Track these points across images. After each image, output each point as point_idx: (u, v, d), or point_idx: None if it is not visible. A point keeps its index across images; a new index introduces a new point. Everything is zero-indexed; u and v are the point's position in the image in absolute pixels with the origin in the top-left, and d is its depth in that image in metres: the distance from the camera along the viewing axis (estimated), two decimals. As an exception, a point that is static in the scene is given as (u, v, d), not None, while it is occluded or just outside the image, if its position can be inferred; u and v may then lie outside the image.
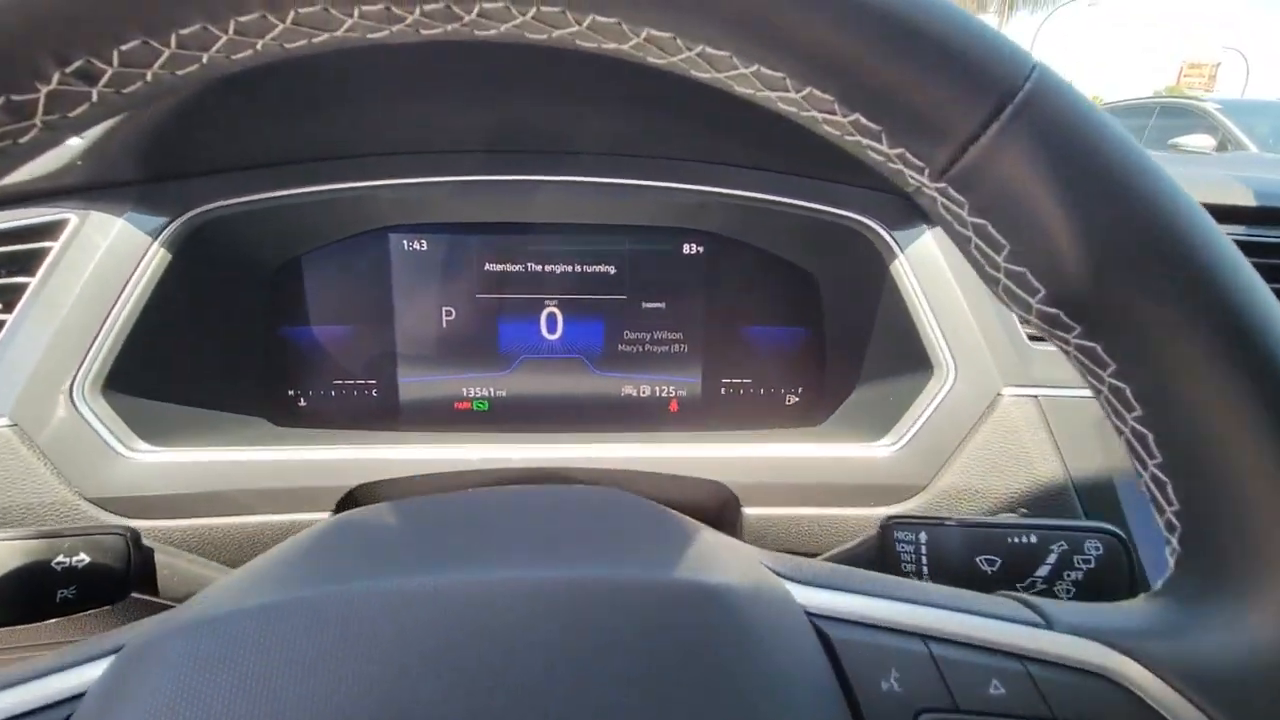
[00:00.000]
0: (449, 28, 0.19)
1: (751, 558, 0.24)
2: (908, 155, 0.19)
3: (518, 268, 0.55)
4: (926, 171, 0.19)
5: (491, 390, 0.57)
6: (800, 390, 0.58)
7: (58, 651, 0.22)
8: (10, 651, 0.35)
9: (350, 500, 0.45)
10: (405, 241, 0.54)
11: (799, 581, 0.23)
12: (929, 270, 0.46)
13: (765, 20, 0.17)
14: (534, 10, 0.17)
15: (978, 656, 0.21)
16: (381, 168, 0.50)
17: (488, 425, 0.57)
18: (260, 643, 0.19)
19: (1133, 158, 0.18)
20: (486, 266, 0.55)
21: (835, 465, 0.45)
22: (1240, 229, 0.47)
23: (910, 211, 0.48)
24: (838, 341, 0.55)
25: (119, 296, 0.42)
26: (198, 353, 0.48)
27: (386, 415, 0.56)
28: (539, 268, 0.55)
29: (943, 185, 0.19)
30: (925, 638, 0.21)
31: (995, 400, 0.43)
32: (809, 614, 0.22)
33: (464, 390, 0.57)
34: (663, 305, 0.56)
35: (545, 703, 0.18)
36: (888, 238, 0.47)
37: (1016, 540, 0.32)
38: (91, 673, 0.20)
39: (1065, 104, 0.18)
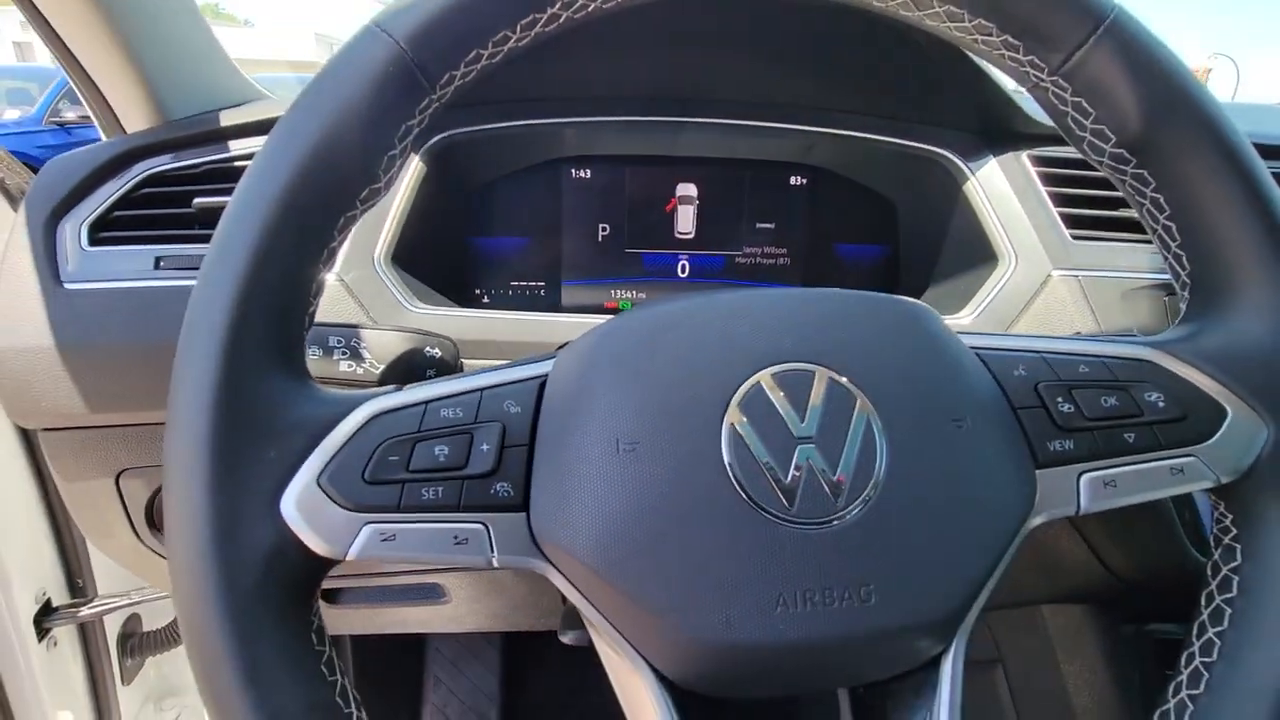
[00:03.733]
0: None
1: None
2: (1036, 60, 0.34)
3: (660, 194, 0.69)
4: (1045, 70, 0.33)
5: (634, 294, 0.71)
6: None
7: (506, 364, 0.35)
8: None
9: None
10: (573, 171, 0.68)
11: None
12: (995, 188, 0.60)
13: None
14: None
15: (1071, 355, 0.35)
16: (563, 109, 0.64)
17: (631, 321, 0.71)
18: (670, 327, 0.33)
19: (1175, 61, 0.32)
20: (635, 192, 0.69)
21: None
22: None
23: (979, 146, 0.63)
24: (910, 255, 0.70)
25: (398, 193, 0.56)
26: (429, 249, 0.62)
27: (551, 312, 0.70)
28: (677, 194, 0.70)
29: (1055, 78, 0.33)
30: (1036, 351, 0.35)
31: (1046, 280, 0.57)
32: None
33: (613, 293, 0.71)
34: (773, 226, 0.70)
35: (838, 336, 0.32)
36: (963, 166, 0.62)
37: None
38: (543, 368, 0.34)
39: (1136, 28, 0.32)
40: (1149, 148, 0.33)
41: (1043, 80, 0.34)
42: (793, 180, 0.70)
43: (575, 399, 0.31)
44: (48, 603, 0.85)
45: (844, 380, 0.31)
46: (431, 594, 0.71)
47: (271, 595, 0.28)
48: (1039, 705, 0.75)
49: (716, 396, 0.30)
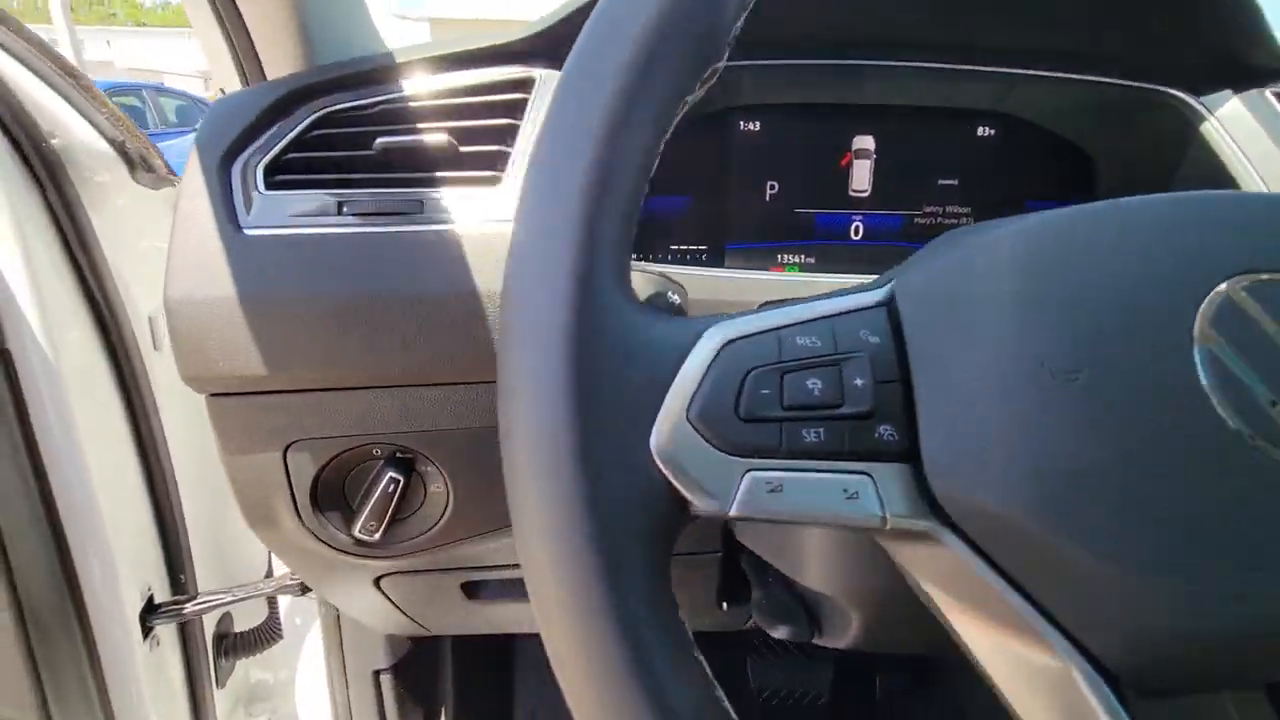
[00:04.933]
0: None
1: None
2: None
3: (835, 147, 0.63)
4: None
5: (802, 258, 0.65)
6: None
7: (834, 292, 0.29)
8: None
9: None
10: (742, 123, 0.62)
11: None
12: (1243, 127, 0.54)
13: None
14: None
15: None
16: (738, 53, 0.58)
17: (798, 288, 0.65)
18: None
19: None
20: (808, 146, 0.63)
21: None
22: None
23: (1212, 84, 0.56)
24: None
25: None
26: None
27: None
28: (853, 148, 0.63)
29: None
30: None
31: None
32: None
33: (779, 256, 0.65)
34: (956, 182, 0.64)
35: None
36: (1197, 105, 0.55)
37: None
38: (882, 294, 0.28)
39: None
40: None
41: None
42: (980, 131, 0.64)
43: (969, 321, 0.25)
44: (151, 599, 0.80)
45: None
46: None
47: (650, 554, 0.22)
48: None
49: (1177, 313, 0.24)
